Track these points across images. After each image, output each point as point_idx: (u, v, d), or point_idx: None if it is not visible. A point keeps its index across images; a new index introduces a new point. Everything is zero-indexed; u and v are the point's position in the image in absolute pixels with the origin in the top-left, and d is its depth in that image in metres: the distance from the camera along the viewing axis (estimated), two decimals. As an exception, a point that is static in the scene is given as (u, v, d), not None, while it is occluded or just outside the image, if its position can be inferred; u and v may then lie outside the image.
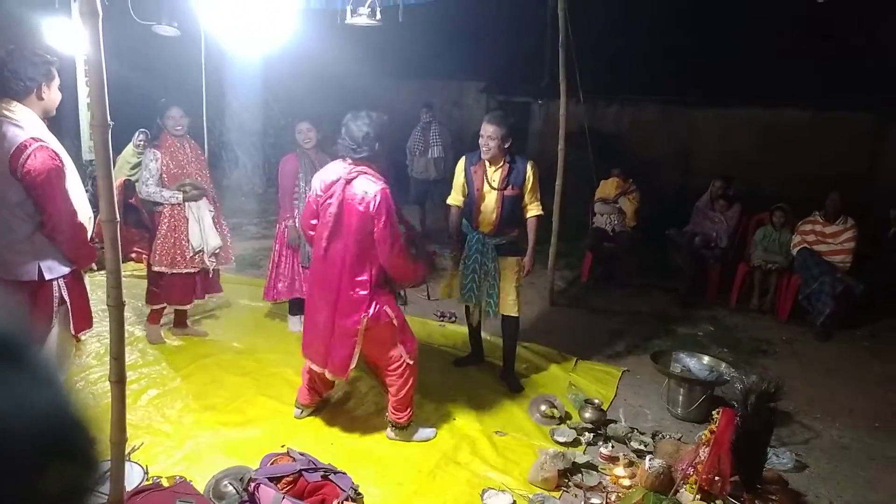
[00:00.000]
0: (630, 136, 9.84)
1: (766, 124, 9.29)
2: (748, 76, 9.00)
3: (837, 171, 7.90)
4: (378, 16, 4.35)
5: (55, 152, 2.58)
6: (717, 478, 2.94)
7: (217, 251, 4.43)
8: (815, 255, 5.56)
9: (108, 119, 2.33)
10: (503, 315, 4.10)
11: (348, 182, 3.17)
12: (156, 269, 4.31)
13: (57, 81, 2.69)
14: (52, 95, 2.68)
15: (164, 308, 4.52)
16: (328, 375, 3.42)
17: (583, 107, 6.03)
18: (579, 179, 6.30)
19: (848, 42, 8.92)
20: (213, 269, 4.47)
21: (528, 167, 3.95)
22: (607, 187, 6.65)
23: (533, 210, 4.03)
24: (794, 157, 8.73)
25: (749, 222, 6.33)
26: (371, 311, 3.24)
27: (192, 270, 4.36)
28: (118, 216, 2.42)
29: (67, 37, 5.76)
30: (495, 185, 3.92)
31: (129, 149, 7.28)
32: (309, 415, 3.68)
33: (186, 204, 4.29)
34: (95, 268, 5.14)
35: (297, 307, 4.79)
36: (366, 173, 3.19)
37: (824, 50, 8.88)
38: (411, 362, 3.42)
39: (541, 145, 10.28)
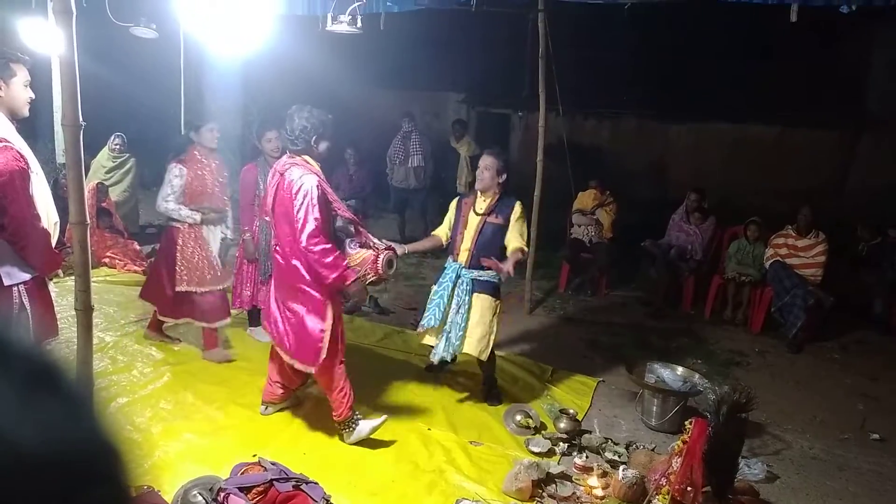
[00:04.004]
0: (607, 148, 9.97)
1: (735, 139, 9.49)
2: (719, 92, 9.19)
3: (807, 186, 8.08)
4: (359, 24, 4.35)
5: (20, 154, 2.49)
6: (689, 488, 2.96)
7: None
8: (788, 268, 5.65)
9: (80, 119, 2.30)
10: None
11: (282, 174, 3.27)
12: (180, 289, 4.14)
13: (21, 79, 2.57)
14: (14, 93, 2.56)
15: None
16: (297, 366, 3.41)
17: (562, 119, 6.09)
18: (557, 191, 6.35)
19: (814, 63, 9.16)
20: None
21: (517, 203, 3.94)
22: (585, 199, 6.71)
23: (515, 242, 3.87)
24: (765, 172, 8.91)
25: (723, 235, 6.43)
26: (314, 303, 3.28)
27: (223, 287, 4.29)
28: (88, 219, 2.38)
29: (43, 37, 5.67)
30: (481, 211, 3.91)
31: (105, 152, 7.19)
32: (276, 411, 3.69)
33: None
34: (62, 274, 5.05)
35: (255, 318, 4.74)
36: (298, 165, 3.26)
37: (791, 69, 9.11)
38: (342, 360, 3.44)
39: (520, 157, 10.35)
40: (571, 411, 3.90)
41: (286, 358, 3.44)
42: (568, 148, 6.08)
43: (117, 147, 7.21)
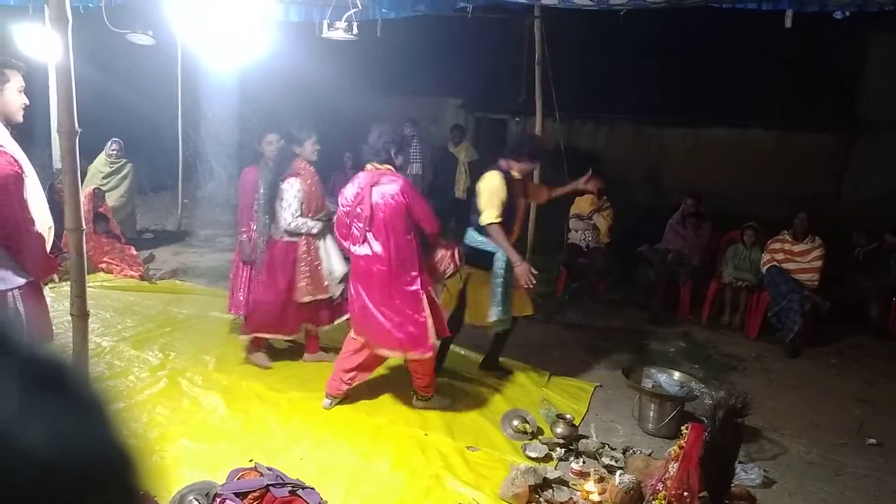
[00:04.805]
0: (604, 153, 9.99)
1: (733, 144, 9.51)
2: (717, 98, 9.22)
3: (804, 191, 8.10)
4: (355, 30, 4.36)
5: (14, 158, 2.48)
6: (685, 493, 2.96)
7: (343, 278, 4.29)
8: (784, 272, 5.66)
9: (76, 125, 2.30)
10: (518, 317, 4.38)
11: (372, 186, 3.61)
12: (306, 300, 4.20)
13: (15, 85, 2.55)
14: (7, 99, 2.54)
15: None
16: (413, 356, 3.75)
17: (558, 124, 6.11)
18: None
19: (810, 69, 9.19)
20: (339, 295, 4.34)
21: None
22: (582, 204, 6.72)
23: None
24: (761, 177, 8.93)
25: (720, 240, 6.44)
26: (424, 290, 3.68)
27: (326, 296, 4.30)
28: (84, 224, 2.38)
29: (40, 43, 5.68)
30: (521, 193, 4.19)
31: (101, 158, 7.21)
32: (337, 404, 3.90)
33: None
34: (57, 279, 5.05)
35: None
36: (385, 175, 3.65)
37: (788, 75, 9.15)
38: (437, 342, 3.84)
39: (517, 162, 10.35)
40: (568, 416, 3.90)
41: (396, 353, 3.79)
42: (565, 153, 6.10)
43: (114, 153, 7.22)
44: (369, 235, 3.64)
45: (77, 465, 0.43)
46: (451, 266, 3.89)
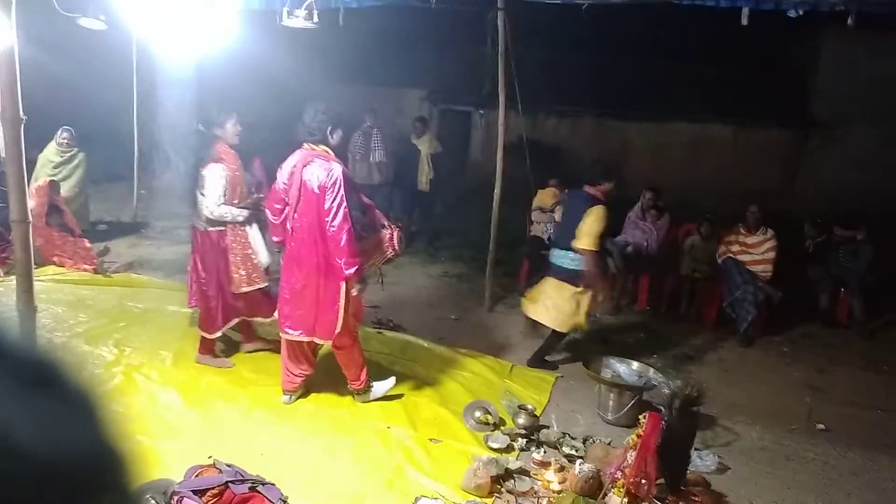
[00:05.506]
0: (567, 147, 10.08)
1: (693, 139, 9.71)
2: (677, 93, 9.39)
3: (759, 185, 8.32)
4: (315, 18, 4.29)
5: None
6: (643, 481, 3.02)
7: (267, 266, 4.23)
8: (739, 264, 5.82)
9: (21, 113, 2.21)
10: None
11: (304, 167, 3.52)
12: (244, 290, 4.06)
13: None
14: None
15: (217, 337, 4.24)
16: (317, 340, 3.72)
17: (522, 118, 6.13)
18: (517, 188, 6.39)
19: (768, 66, 9.43)
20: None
21: None
22: (544, 196, 6.77)
23: None
24: (720, 171, 9.14)
25: (678, 232, 6.57)
26: (347, 281, 3.58)
27: (266, 284, 4.18)
28: (31, 217, 2.29)
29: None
30: None
31: (52, 147, 6.95)
32: (298, 398, 3.87)
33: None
34: (2, 273, 4.86)
35: None
36: (319, 156, 3.54)
37: (746, 72, 9.37)
38: (357, 334, 3.85)
39: (481, 154, 10.41)
40: (530, 407, 3.94)
41: (303, 337, 3.68)
42: (528, 146, 6.13)
43: (65, 141, 6.96)
44: (296, 217, 3.56)
45: (74, 467, 0.43)
46: (389, 251, 3.83)
